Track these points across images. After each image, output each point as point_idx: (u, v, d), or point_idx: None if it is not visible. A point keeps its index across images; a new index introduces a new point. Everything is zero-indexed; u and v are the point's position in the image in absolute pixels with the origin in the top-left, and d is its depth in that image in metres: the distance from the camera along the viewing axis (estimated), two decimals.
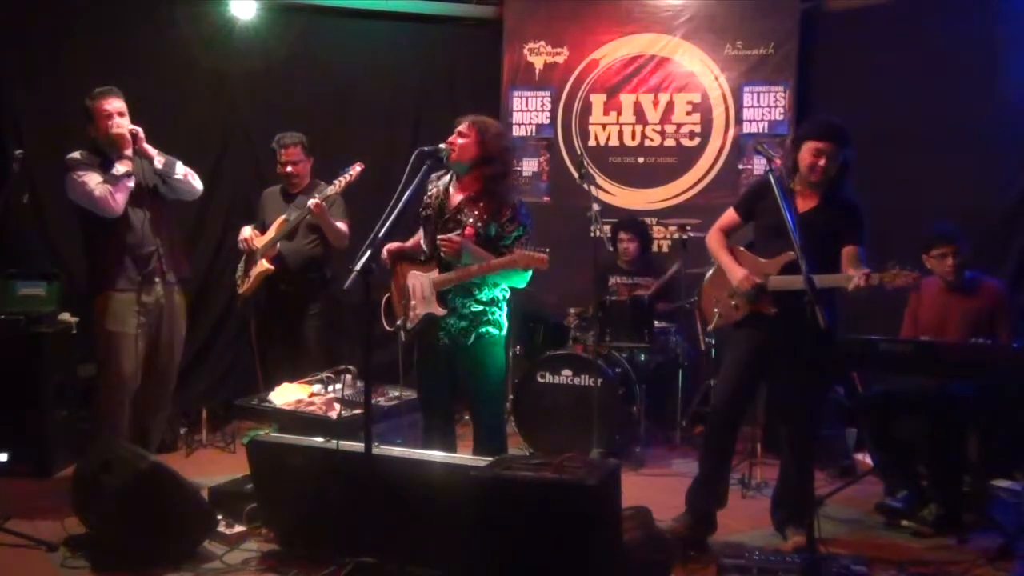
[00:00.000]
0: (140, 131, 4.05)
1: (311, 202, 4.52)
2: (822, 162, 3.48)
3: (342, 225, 4.70)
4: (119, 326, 4.03)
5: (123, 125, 4.01)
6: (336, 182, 4.51)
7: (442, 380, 3.68)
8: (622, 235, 5.64)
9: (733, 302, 3.67)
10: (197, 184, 4.25)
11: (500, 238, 3.51)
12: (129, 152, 4.01)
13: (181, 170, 4.17)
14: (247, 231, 4.82)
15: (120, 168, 3.97)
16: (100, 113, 4.01)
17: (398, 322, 3.66)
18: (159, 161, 4.09)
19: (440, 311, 3.53)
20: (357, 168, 4.52)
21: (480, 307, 3.57)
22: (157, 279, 4.11)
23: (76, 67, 5.33)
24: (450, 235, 3.48)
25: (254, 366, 5.22)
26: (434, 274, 3.54)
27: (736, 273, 3.61)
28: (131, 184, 4.00)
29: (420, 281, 3.59)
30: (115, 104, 4.03)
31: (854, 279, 3.32)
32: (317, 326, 4.76)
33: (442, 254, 3.50)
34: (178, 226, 4.47)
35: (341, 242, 4.71)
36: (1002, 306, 4.07)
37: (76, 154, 4.05)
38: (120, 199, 3.97)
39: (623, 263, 5.65)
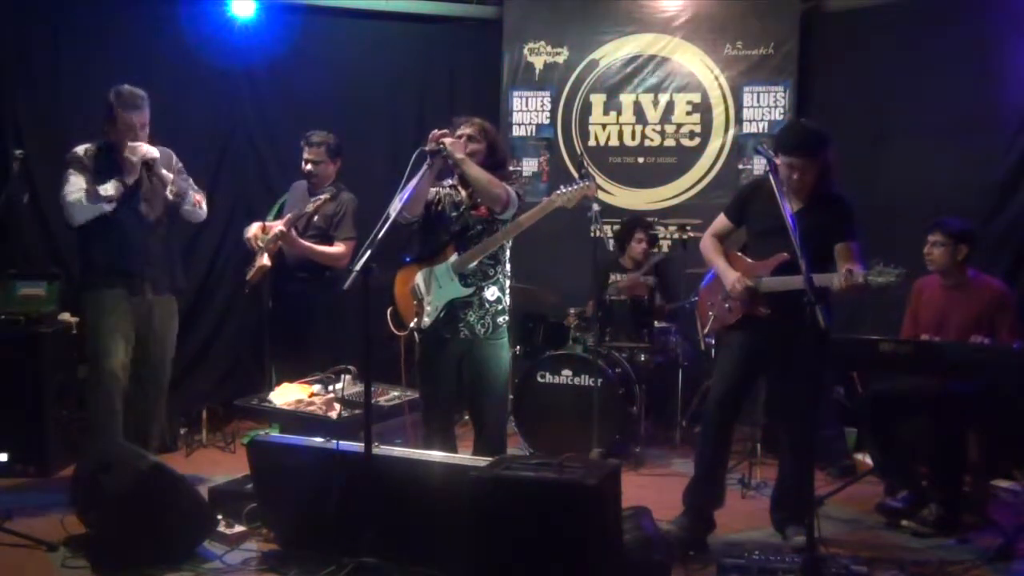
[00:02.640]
0: (156, 157, 4.04)
1: (278, 227, 4.49)
2: (795, 175, 3.48)
3: (339, 247, 4.63)
4: (105, 323, 4.05)
5: (138, 151, 3.99)
6: (312, 202, 4.52)
7: (449, 381, 3.70)
8: (639, 234, 5.63)
9: (727, 305, 3.68)
10: (203, 212, 4.28)
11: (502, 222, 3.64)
12: (131, 180, 4.00)
13: (192, 199, 4.19)
14: (254, 228, 4.80)
15: (108, 190, 3.96)
16: (122, 122, 3.98)
17: (411, 324, 3.68)
18: (171, 191, 4.10)
19: (464, 291, 3.59)
20: (322, 198, 4.51)
21: (496, 293, 3.66)
22: (147, 285, 4.11)
23: (76, 67, 5.34)
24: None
25: (258, 365, 5.22)
26: (453, 258, 3.60)
27: (729, 276, 3.62)
28: (108, 208, 3.98)
29: (431, 273, 3.63)
30: (140, 117, 4.00)
31: (835, 280, 3.31)
32: (319, 325, 4.75)
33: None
34: (179, 226, 4.47)
35: (334, 263, 4.61)
36: (1004, 305, 4.05)
37: (80, 150, 4.06)
38: (84, 216, 3.98)
39: (629, 262, 5.65)
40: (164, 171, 4.09)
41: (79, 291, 4.25)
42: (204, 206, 4.28)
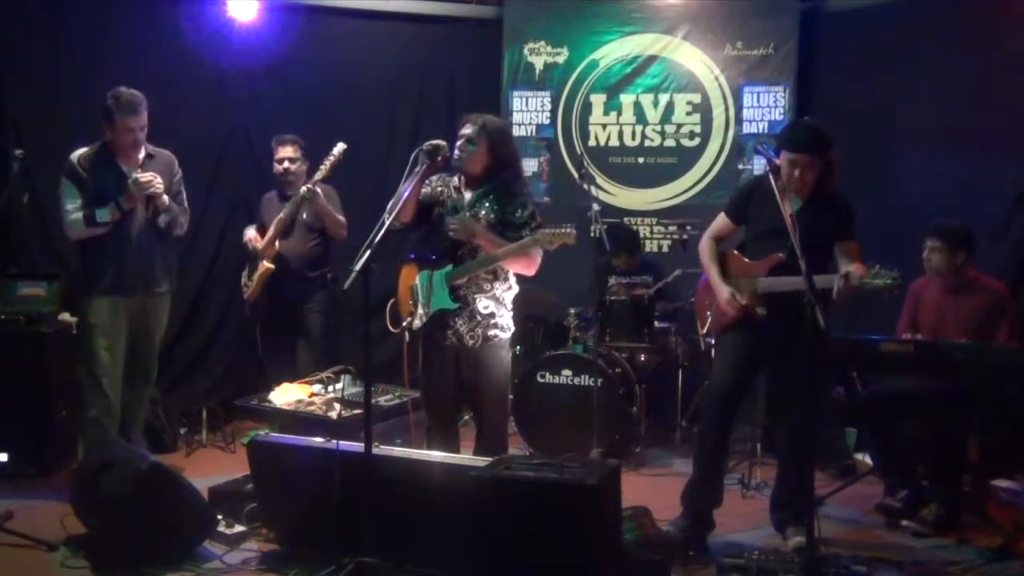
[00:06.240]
0: (161, 192, 4.07)
1: (303, 188, 4.54)
2: (797, 173, 3.47)
3: (341, 218, 4.73)
4: (99, 319, 4.08)
5: (143, 184, 4.00)
6: (321, 167, 4.51)
7: (448, 381, 3.68)
8: (620, 254, 5.49)
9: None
10: (182, 232, 4.35)
11: (510, 224, 3.56)
12: (128, 206, 4.03)
13: (180, 224, 4.26)
14: (251, 231, 4.81)
15: (105, 216, 4.00)
16: (120, 126, 4.01)
17: (403, 323, 3.67)
18: (164, 219, 4.16)
19: (452, 304, 3.55)
20: (339, 147, 4.49)
21: (490, 307, 3.59)
22: (139, 289, 4.12)
23: (76, 67, 5.33)
24: (461, 217, 3.51)
25: (255, 366, 5.21)
26: (448, 268, 3.57)
27: (722, 293, 3.63)
28: (103, 230, 4.03)
29: (430, 278, 3.61)
30: (137, 121, 4.02)
31: (836, 284, 3.31)
32: (318, 326, 4.75)
33: (451, 233, 3.52)
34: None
35: (339, 231, 4.72)
36: (1003, 307, 4.04)
37: (76, 158, 4.07)
38: (81, 236, 4.07)
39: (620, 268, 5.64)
40: (164, 197, 4.11)
41: (76, 296, 4.28)
42: (186, 225, 4.34)
